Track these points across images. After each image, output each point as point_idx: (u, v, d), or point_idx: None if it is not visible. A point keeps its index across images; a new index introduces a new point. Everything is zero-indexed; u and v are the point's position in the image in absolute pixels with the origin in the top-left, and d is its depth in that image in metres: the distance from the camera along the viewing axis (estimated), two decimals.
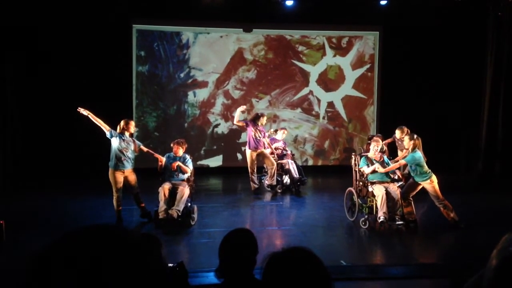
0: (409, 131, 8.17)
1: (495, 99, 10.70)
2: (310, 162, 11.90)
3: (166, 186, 6.75)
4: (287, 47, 11.74)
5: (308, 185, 9.83)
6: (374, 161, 7.03)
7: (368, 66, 12.00)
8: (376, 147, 7.12)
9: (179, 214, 6.63)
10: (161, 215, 6.57)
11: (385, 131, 10.43)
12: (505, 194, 9.10)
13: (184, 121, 11.42)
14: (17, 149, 9.66)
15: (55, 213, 7.49)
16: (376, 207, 6.69)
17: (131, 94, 11.04)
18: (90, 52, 10.29)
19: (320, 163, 11.97)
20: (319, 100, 11.89)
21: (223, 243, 2.41)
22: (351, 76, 11.96)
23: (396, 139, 9.04)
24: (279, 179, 9.33)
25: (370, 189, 6.85)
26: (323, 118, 11.95)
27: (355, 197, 7.05)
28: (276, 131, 9.97)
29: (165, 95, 11.33)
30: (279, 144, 9.68)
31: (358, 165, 7.18)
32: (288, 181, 9.24)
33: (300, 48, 11.79)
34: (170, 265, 2.91)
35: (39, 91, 10.10)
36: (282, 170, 9.35)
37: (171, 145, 7.23)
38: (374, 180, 6.91)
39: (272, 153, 9.41)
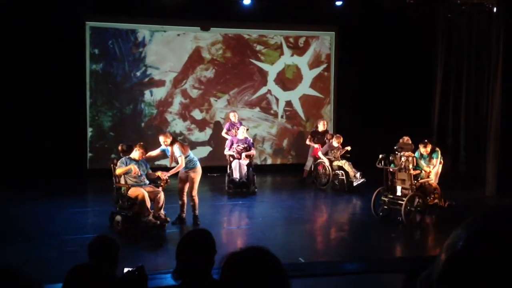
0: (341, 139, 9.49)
1: (445, 99, 11.12)
2: (269, 161, 11.96)
3: (144, 191, 6.46)
4: (245, 46, 11.74)
5: (267, 183, 9.88)
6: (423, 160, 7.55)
7: (324, 65, 12.17)
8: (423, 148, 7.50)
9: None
10: (153, 221, 6.38)
11: (342, 130, 10.66)
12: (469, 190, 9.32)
13: (140, 120, 11.20)
14: None
15: (7, 216, 7.17)
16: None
17: (84, 93, 10.71)
18: (41, 49, 9.94)
19: (278, 161, 12.05)
20: (277, 99, 11.96)
21: (181, 244, 2.38)
22: (308, 75, 12.10)
23: (332, 146, 9.69)
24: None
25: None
26: (282, 117, 12.03)
27: (419, 199, 6.98)
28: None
29: (120, 94, 11.07)
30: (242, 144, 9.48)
31: (413, 166, 7.09)
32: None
33: (258, 47, 11.82)
34: (129, 269, 2.83)
35: None
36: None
37: (137, 148, 6.73)
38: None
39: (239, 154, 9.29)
